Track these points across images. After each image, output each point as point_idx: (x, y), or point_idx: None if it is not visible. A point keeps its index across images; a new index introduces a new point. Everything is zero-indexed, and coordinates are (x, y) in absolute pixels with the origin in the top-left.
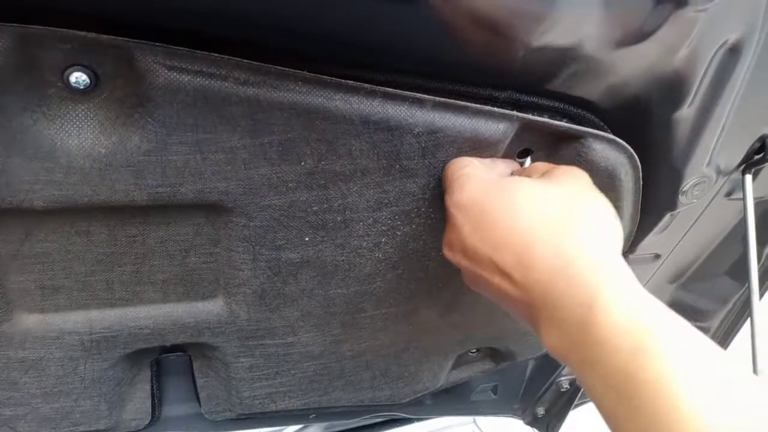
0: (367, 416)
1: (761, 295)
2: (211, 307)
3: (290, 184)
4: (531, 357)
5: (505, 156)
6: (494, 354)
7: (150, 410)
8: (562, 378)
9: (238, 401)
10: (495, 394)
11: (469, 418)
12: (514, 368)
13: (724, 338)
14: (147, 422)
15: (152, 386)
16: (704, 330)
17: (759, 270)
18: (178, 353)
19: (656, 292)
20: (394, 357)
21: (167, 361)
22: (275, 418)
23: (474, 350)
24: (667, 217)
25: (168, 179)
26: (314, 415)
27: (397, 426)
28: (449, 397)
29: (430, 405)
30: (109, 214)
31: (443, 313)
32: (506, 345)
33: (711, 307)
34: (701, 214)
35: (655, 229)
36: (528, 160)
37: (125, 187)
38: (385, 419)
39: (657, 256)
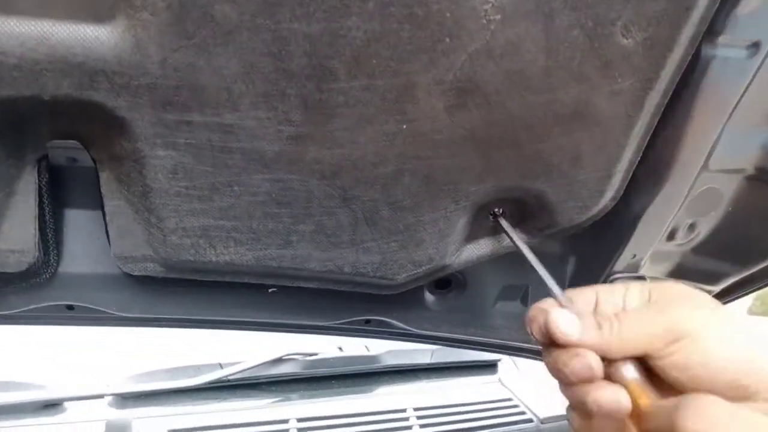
0: (354, 319)
1: None
2: (108, 36)
3: None
4: (579, 219)
5: None
6: (523, 215)
7: (37, 244)
8: (617, 275)
9: (161, 238)
10: (525, 303)
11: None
12: (551, 263)
13: None
14: (32, 260)
15: (40, 202)
16: None
17: None
18: (75, 143)
19: None
20: (382, 186)
21: (63, 171)
22: (216, 288)
23: (492, 214)
24: None
25: None
26: (274, 290)
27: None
28: (462, 309)
29: (438, 320)
30: None
31: (452, 106)
32: (541, 189)
33: None
34: None
35: None
36: None
37: None
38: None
39: None
